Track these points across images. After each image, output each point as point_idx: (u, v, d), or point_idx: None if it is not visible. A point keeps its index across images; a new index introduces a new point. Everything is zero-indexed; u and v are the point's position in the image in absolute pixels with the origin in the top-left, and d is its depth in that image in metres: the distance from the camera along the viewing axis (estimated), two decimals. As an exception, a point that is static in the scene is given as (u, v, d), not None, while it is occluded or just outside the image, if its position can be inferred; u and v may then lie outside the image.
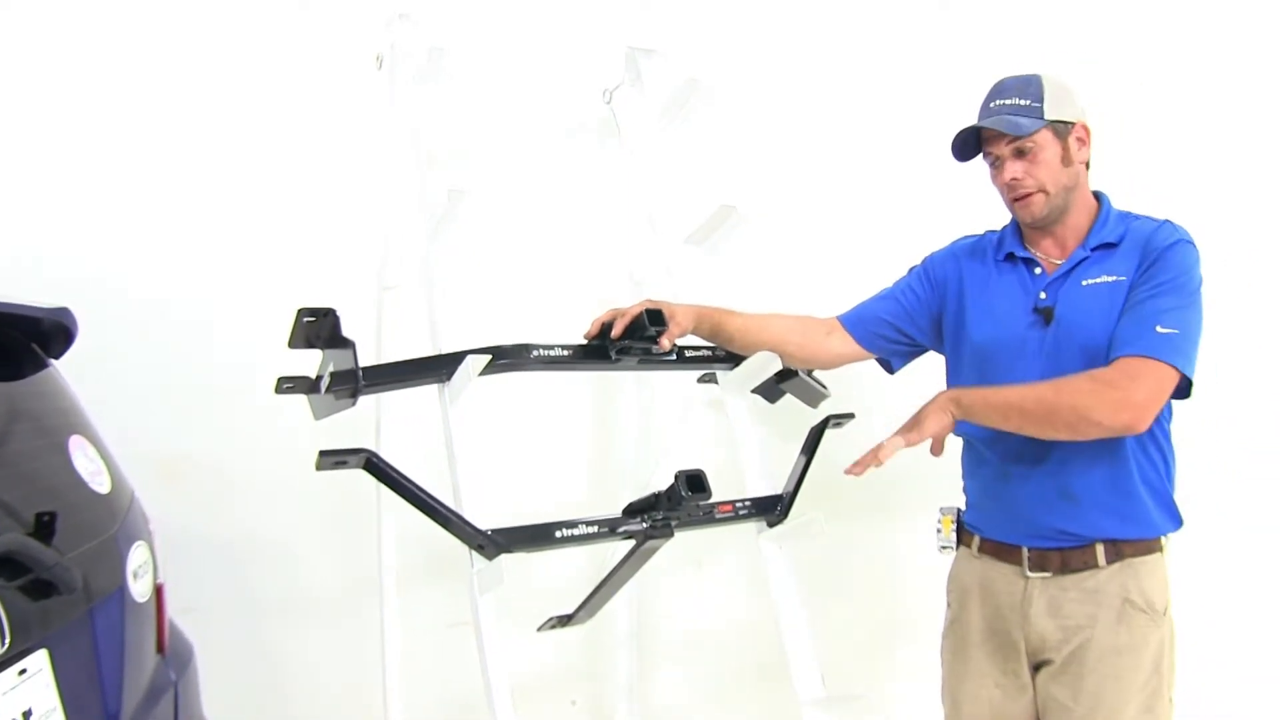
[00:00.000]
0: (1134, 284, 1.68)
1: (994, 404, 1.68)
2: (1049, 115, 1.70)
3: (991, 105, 1.75)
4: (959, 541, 1.89)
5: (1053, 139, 1.71)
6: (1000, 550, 1.80)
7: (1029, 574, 1.75)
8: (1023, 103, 1.71)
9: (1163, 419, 1.73)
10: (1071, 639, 1.71)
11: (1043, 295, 1.76)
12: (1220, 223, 2.14)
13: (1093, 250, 1.75)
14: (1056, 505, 1.73)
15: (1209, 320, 1.67)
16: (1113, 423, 1.60)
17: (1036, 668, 1.76)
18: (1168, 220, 1.74)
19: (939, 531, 1.90)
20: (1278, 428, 2.27)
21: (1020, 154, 1.72)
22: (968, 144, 1.78)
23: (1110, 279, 1.71)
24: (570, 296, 2.51)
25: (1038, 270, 1.79)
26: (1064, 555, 1.73)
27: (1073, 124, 1.73)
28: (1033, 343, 1.75)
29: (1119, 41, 2.34)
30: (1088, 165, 1.77)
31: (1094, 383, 1.61)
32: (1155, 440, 1.72)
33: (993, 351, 1.81)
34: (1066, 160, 1.73)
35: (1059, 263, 1.77)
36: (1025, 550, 1.76)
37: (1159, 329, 1.62)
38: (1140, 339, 1.62)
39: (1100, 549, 1.70)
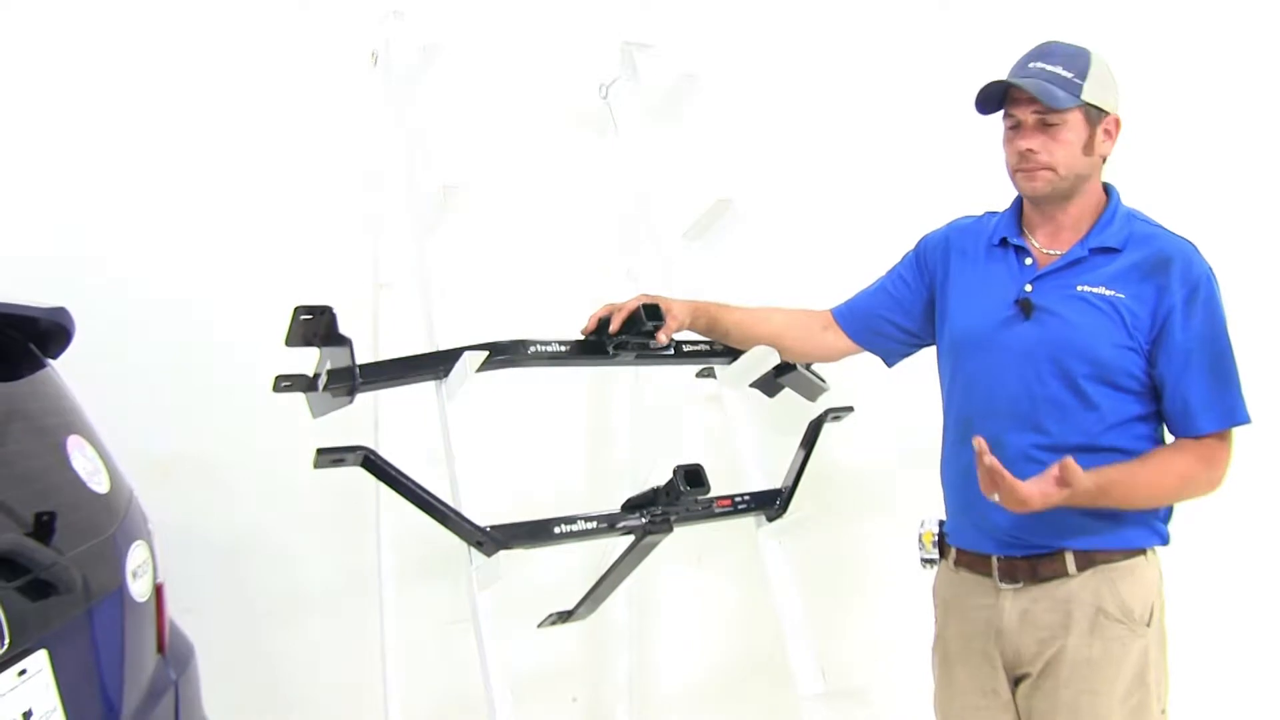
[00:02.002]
0: (1170, 318, 1.58)
1: (1121, 498, 1.59)
2: (1087, 96, 1.59)
3: (1030, 66, 1.62)
4: (941, 554, 1.79)
5: (1082, 122, 1.60)
6: (973, 561, 1.71)
7: (1000, 585, 1.66)
8: (1065, 74, 1.59)
9: (1146, 442, 1.64)
10: (1044, 651, 1.62)
11: (1028, 288, 1.66)
12: (1224, 222, 2.12)
13: (1091, 251, 1.64)
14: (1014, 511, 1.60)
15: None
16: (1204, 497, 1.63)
17: (1016, 682, 1.67)
18: (1185, 239, 1.64)
19: (920, 545, 1.81)
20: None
21: (1044, 126, 1.60)
22: (991, 98, 1.65)
23: (1109, 293, 1.61)
24: (567, 292, 2.50)
25: (1028, 261, 1.69)
26: (1033, 564, 1.63)
27: (1106, 113, 1.62)
28: (1008, 338, 1.66)
29: (1120, 42, 2.32)
30: (1105, 159, 1.67)
31: (1209, 470, 1.60)
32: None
33: (968, 343, 1.72)
34: (1088, 149, 1.61)
35: (1053, 254, 1.67)
36: (995, 560, 1.67)
37: (1240, 390, 1.59)
38: (1231, 407, 1.59)
39: (1070, 557, 1.61)
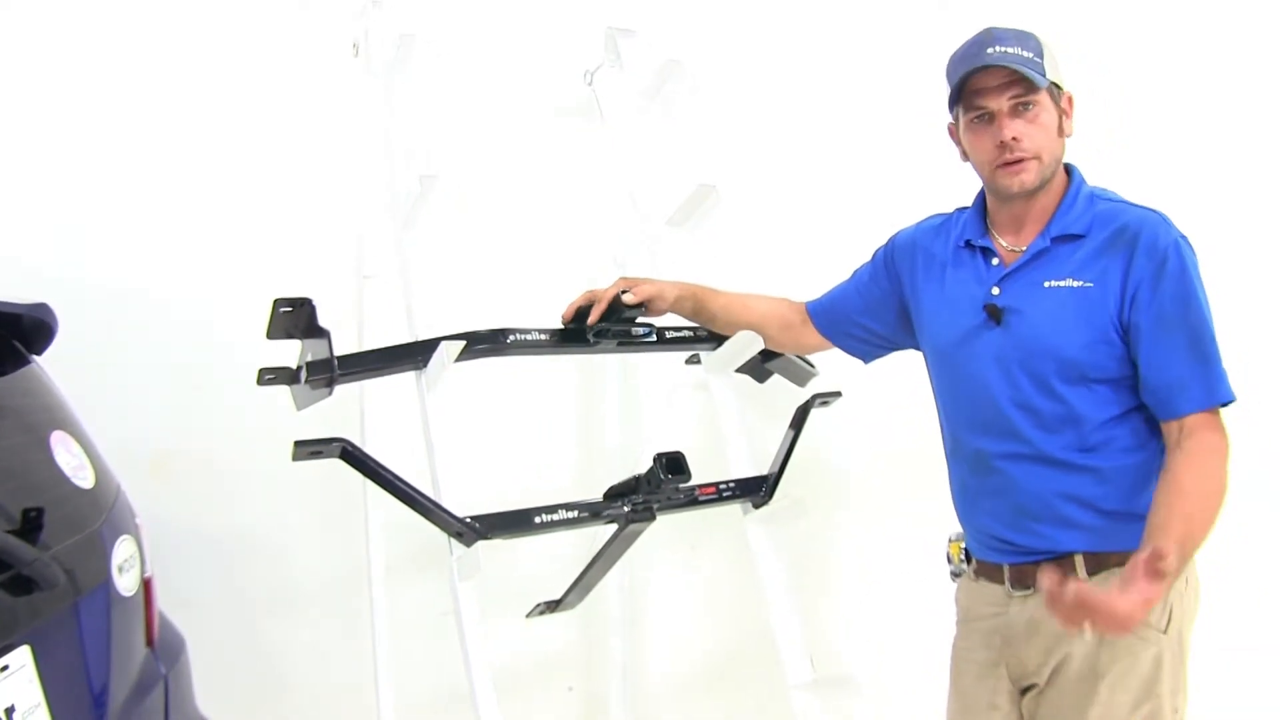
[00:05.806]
0: (1138, 295, 1.47)
1: (1197, 539, 1.42)
2: (1049, 76, 1.51)
3: (989, 52, 1.50)
4: (967, 564, 1.72)
5: (1051, 103, 1.53)
6: (987, 570, 1.65)
7: (1012, 593, 1.59)
8: (1025, 54, 1.49)
9: (1150, 443, 1.53)
10: (1050, 660, 1.54)
11: (995, 291, 1.58)
12: (1222, 220, 2.08)
13: (1053, 241, 1.55)
14: (1014, 521, 1.57)
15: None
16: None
17: (1024, 693, 1.61)
18: (1151, 210, 1.52)
19: (949, 558, 1.77)
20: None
21: (1021, 110, 1.50)
22: (953, 92, 1.56)
23: (1076, 284, 1.51)
24: (553, 279, 2.49)
25: (995, 261, 1.60)
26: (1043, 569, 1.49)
27: (1064, 92, 1.56)
28: (980, 345, 1.58)
29: (1121, 43, 2.29)
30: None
31: (1217, 456, 1.45)
32: (1132, 460, 1.53)
33: (944, 354, 1.67)
34: (1061, 130, 1.54)
35: (1018, 251, 1.58)
36: (1006, 568, 1.60)
37: (1220, 364, 1.47)
38: (1213, 385, 1.46)
39: (1080, 560, 1.52)
